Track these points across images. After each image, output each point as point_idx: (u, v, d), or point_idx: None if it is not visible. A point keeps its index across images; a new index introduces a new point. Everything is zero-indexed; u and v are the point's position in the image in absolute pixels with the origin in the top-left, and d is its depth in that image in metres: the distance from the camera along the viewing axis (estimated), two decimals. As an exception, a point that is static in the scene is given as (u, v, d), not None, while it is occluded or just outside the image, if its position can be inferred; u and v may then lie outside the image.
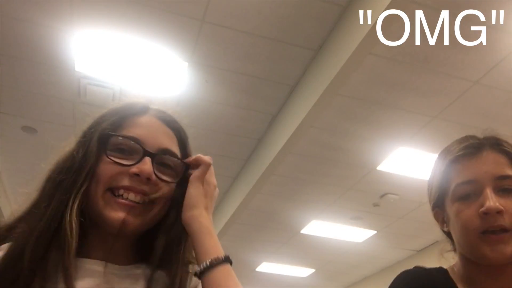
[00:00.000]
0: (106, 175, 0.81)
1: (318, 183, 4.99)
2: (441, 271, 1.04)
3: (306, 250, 6.75)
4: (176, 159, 0.87)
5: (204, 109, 3.98)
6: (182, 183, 0.88)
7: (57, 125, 4.30)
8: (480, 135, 1.03)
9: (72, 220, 0.77)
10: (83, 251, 0.81)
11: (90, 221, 0.82)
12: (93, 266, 0.81)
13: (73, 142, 0.88)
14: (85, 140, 0.85)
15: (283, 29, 3.20)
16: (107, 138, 0.83)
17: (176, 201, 0.88)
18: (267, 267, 7.54)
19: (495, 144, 0.99)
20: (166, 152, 0.86)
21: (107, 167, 0.81)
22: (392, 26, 2.83)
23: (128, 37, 3.26)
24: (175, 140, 0.89)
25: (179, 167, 0.87)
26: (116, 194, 0.81)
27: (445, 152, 1.04)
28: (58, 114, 4.15)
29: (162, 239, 0.86)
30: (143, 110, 0.89)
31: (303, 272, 7.65)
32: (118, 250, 0.85)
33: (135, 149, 0.83)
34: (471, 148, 0.99)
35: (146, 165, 0.81)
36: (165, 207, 0.86)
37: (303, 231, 6.13)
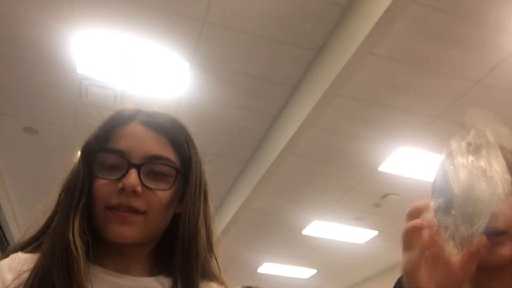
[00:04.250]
0: (99, 194, 0.81)
1: (319, 183, 4.99)
2: None
3: (308, 251, 6.74)
4: (166, 165, 0.83)
5: (205, 110, 3.99)
6: (183, 186, 0.86)
7: (58, 126, 4.31)
8: None
9: (76, 238, 0.77)
10: (97, 259, 0.82)
11: (98, 233, 0.83)
12: (107, 276, 0.81)
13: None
14: (77, 160, 0.85)
15: (284, 30, 3.20)
16: (92, 155, 0.83)
17: (182, 206, 0.86)
18: (268, 268, 7.54)
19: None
20: (155, 158, 0.82)
21: (99, 186, 0.81)
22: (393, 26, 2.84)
23: (129, 38, 3.26)
24: (166, 143, 0.85)
25: (172, 172, 0.84)
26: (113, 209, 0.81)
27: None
28: (59, 115, 4.16)
29: (176, 248, 0.85)
30: (129, 118, 0.86)
31: (305, 273, 7.65)
32: (131, 262, 0.85)
33: (121, 162, 0.81)
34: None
35: (130, 177, 0.79)
36: (166, 215, 0.84)
37: (304, 231, 6.13)
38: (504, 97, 3.58)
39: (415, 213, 0.75)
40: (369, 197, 5.21)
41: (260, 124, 4.25)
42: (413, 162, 4.48)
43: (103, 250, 0.83)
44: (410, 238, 0.77)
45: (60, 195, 0.85)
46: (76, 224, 0.79)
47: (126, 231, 0.79)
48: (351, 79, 3.30)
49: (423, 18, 2.96)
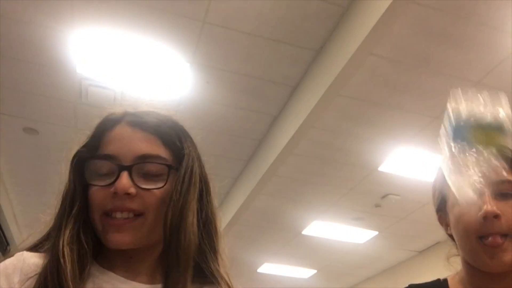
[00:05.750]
0: (95, 202, 0.81)
1: (319, 184, 4.99)
2: (438, 284, 1.05)
3: (308, 251, 6.74)
4: (156, 162, 0.82)
5: (205, 110, 3.99)
6: (180, 182, 0.83)
7: (58, 126, 4.31)
8: None
9: (64, 247, 0.77)
10: (108, 263, 0.82)
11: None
12: (117, 283, 0.81)
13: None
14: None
15: (284, 30, 3.20)
16: (84, 163, 0.83)
17: (174, 203, 0.83)
18: (268, 268, 7.54)
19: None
20: (145, 158, 0.81)
21: (94, 193, 0.81)
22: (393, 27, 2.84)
23: (129, 38, 3.26)
24: (155, 141, 0.84)
25: (164, 169, 0.82)
26: (110, 216, 0.81)
27: None
28: (59, 116, 4.16)
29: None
30: (115, 121, 0.85)
31: (305, 273, 7.64)
32: (140, 266, 0.85)
33: (112, 167, 0.80)
34: None
35: (122, 180, 0.78)
36: (161, 213, 0.82)
37: (304, 232, 6.13)
38: (504, 97, 3.57)
39: None
40: (369, 197, 5.21)
41: (260, 124, 4.25)
42: (413, 162, 4.48)
43: (113, 254, 0.83)
44: None
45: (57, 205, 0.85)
46: (67, 233, 0.79)
47: (125, 237, 0.79)
48: (351, 79, 3.30)
49: (423, 18, 2.96)
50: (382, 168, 4.59)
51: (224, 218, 5.55)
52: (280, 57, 3.43)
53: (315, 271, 7.55)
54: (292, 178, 4.89)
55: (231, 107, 4.01)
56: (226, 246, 0.93)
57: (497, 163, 0.90)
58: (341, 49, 3.07)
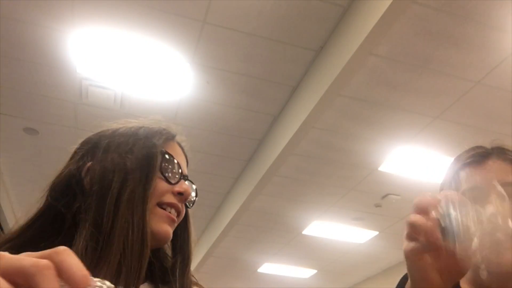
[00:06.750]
0: (157, 191, 0.86)
1: (319, 183, 4.99)
2: None
3: (308, 251, 6.75)
4: (194, 184, 0.96)
5: (206, 110, 3.98)
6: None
7: (58, 126, 4.31)
8: (488, 145, 1.07)
9: (149, 231, 0.82)
10: (99, 263, 0.81)
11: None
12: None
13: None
14: (137, 152, 0.86)
15: (285, 30, 3.20)
16: (162, 156, 0.89)
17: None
18: (269, 268, 7.55)
19: (501, 153, 1.03)
20: (187, 178, 0.94)
21: (158, 183, 0.86)
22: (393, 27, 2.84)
23: (129, 38, 3.26)
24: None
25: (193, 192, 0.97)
26: (164, 209, 0.87)
27: (455, 161, 1.08)
28: (59, 116, 4.16)
29: (173, 258, 0.93)
30: (173, 137, 0.96)
31: (305, 273, 7.65)
32: None
33: (176, 170, 0.90)
34: (478, 156, 1.03)
35: (187, 186, 0.90)
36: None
37: (304, 232, 6.13)
38: (505, 97, 3.58)
39: (424, 209, 0.75)
40: (369, 197, 5.21)
41: (260, 124, 4.25)
42: (413, 162, 4.48)
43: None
44: (415, 231, 0.77)
45: (114, 188, 0.83)
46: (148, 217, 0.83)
47: (170, 232, 0.87)
48: (351, 79, 3.30)
49: (423, 18, 2.96)
50: (382, 168, 4.60)
51: (224, 218, 5.57)
52: (280, 57, 3.43)
53: (315, 271, 7.55)
54: (292, 178, 4.89)
55: (231, 107, 4.01)
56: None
57: None
58: (341, 49, 3.08)
